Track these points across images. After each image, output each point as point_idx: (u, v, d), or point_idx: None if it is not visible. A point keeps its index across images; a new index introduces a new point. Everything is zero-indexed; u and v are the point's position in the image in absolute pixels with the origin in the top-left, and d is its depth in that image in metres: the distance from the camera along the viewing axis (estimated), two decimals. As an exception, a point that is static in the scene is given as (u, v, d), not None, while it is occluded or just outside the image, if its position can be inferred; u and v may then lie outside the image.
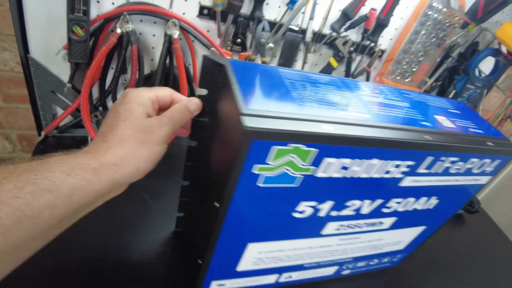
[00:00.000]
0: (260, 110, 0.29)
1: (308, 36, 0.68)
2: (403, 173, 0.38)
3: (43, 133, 0.68)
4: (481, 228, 0.83)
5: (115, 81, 0.65)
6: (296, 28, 0.68)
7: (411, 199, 0.44)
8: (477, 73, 0.89)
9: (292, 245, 0.44)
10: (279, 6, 0.66)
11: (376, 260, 0.56)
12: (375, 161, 0.35)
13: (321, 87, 0.39)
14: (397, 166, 0.37)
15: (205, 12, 0.62)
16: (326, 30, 0.70)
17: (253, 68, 0.39)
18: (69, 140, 0.71)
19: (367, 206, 0.42)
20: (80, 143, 0.62)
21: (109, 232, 0.53)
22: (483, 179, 0.45)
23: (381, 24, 0.69)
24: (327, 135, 0.30)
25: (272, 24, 0.66)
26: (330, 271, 0.54)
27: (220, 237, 0.38)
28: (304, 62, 0.73)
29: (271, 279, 0.50)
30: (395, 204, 0.43)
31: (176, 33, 0.60)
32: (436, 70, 0.79)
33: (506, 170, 1.42)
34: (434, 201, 0.46)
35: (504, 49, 0.76)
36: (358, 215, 0.43)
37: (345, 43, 0.72)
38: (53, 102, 0.67)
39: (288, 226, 0.40)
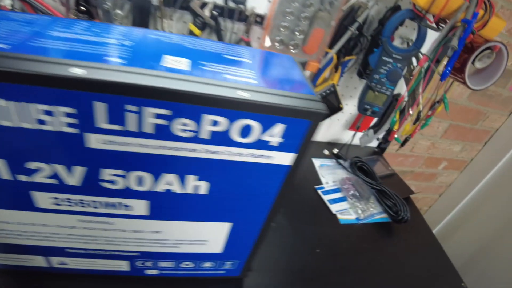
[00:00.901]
0: None
1: None
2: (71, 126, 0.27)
3: None
4: (405, 242, 0.66)
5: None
6: (142, -10, 0.58)
7: (138, 174, 0.32)
8: (400, 44, 0.71)
9: (12, 217, 0.35)
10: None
11: (189, 263, 0.45)
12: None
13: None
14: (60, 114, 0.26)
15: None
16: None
17: None
18: None
19: (66, 175, 0.31)
20: None
21: None
22: (275, 156, 0.31)
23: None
24: None
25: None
26: (122, 265, 0.43)
27: None
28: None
29: (39, 261, 0.41)
30: (118, 178, 0.32)
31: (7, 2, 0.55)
32: (340, 39, 0.64)
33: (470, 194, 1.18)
34: (196, 182, 0.33)
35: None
36: (70, 188, 0.32)
37: (204, 5, 0.61)
38: None
39: None
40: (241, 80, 0.30)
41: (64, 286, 0.44)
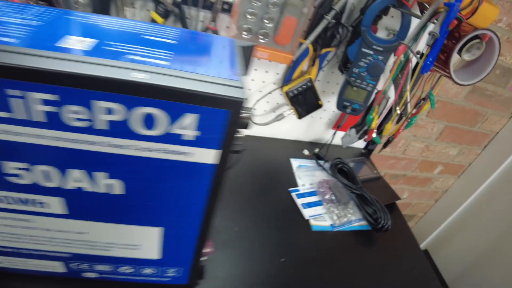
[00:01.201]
0: None
1: None
2: None
3: None
4: (384, 253, 0.60)
5: None
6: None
7: (44, 168, 0.27)
8: (386, 36, 0.65)
9: None
10: None
11: (128, 268, 0.40)
12: None
13: None
14: None
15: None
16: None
17: None
18: None
19: None
20: None
21: None
22: (194, 153, 0.26)
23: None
24: None
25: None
26: (55, 266, 0.39)
27: None
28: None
29: None
30: (22, 172, 0.27)
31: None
32: (311, 28, 0.59)
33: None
34: (108, 181, 0.28)
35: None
36: None
37: None
38: None
39: None
40: (149, 61, 0.25)
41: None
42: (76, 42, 0.26)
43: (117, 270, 0.41)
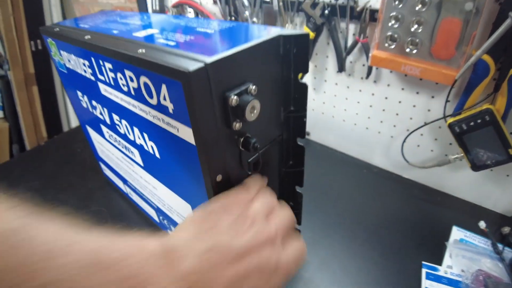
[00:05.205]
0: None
1: (275, 4, 0.61)
2: (91, 74, 0.38)
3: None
4: None
5: None
6: (268, -1, 0.63)
7: (125, 123, 0.39)
8: None
9: (102, 140, 0.52)
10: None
11: None
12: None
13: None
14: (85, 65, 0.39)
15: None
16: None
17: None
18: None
19: (99, 112, 0.44)
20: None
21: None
22: (177, 127, 0.28)
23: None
24: (56, 33, 0.42)
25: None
26: (153, 214, 0.52)
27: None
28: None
29: (120, 183, 0.58)
30: (117, 121, 0.41)
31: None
32: (493, 32, 0.38)
33: None
34: (151, 143, 0.35)
35: None
36: (107, 124, 0.44)
37: (314, 5, 0.55)
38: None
39: (86, 114, 0.50)
40: (164, 42, 0.30)
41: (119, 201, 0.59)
42: (144, 32, 0.35)
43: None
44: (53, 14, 1.33)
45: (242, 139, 0.29)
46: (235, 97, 0.26)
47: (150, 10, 0.88)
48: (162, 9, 0.83)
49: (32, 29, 1.29)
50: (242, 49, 0.26)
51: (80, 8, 1.36)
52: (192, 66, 0.23)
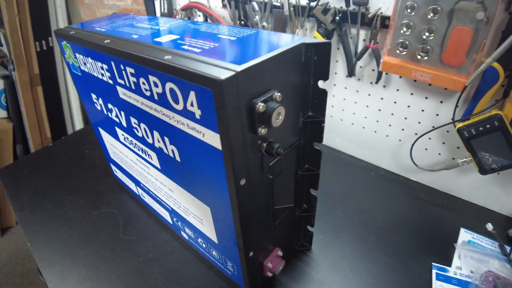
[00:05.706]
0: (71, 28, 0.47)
1: (286, 9, 0.62)
2: (109, 78, 0.39)
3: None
4: None
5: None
6: (278, 4, 0.64)
7: (144, 126, 0.39)
8: None
9: (115, 142, 0.53)
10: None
11: (202, 241, 0.47)
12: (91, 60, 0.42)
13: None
14: (104, 68, 0.39)
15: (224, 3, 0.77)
16: (304, 1, 0.58)
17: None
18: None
19: (115, 115, 0.44)
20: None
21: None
22: (204, 132, 0.29)
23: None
24: (72, 36, 0.43)
25: (260, 3, 0.67)
26: (167, 215, 0.53)
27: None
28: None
29: (132, 185, 0.59)
30: (135, 125, 0.41)
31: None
32: (502, 41, 0.39)
33: None
34: (172, 147, 0.36)
35: None
36: (123, 127, 0.45)
37: (326, 11, 0.56)
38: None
39: (100, 116, 0.51)
40: (189, 49, 0.31)
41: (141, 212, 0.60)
42: (166, 38, 0.35)
43: (197, 240, 0.48)
44: (58, 15, 1.33)
45: (265, 144, 0.30)
46: (262, 104, 0.27)
47: (158, 13, 0.88)
48: (170, 12, 0.84)
49: (37, 29, 1.29)
50: (268, 57, 0.27)
51: (85, 10, 1.37)
52: (224, 74, 0.24)
